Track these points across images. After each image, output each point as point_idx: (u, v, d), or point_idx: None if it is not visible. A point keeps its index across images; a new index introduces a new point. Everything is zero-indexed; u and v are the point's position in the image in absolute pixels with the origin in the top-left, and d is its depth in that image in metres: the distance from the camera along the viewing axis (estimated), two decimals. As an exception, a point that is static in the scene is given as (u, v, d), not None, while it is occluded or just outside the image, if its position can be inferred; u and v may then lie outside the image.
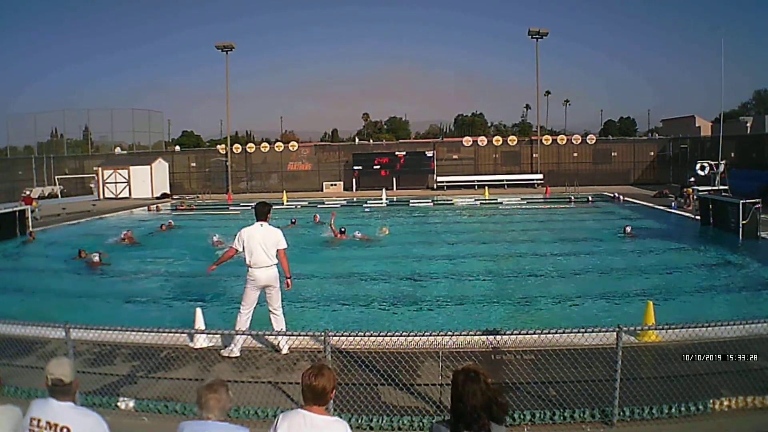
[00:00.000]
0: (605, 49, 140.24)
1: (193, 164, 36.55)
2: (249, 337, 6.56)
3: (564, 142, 34.41)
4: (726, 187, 19.74)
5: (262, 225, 6.38)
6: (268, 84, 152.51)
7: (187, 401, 4.96)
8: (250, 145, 36.93)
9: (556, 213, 21.79)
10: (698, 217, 16.55)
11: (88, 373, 5.62)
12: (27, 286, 10.84)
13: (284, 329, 6.38)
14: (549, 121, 77.64)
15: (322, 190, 33.29)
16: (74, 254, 13.28)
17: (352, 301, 9.23)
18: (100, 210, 24.65)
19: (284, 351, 6.30)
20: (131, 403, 5.12)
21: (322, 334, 4.85)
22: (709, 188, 19.66)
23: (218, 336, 6.55)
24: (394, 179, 32.56)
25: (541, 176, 32.49)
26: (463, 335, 5.99)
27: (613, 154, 33.92)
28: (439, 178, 32.76)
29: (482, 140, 35.25)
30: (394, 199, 27.74)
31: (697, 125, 48.93)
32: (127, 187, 31.42)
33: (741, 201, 13.66)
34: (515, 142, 35.30)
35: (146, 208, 25.60)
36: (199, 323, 6.64)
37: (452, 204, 25.76)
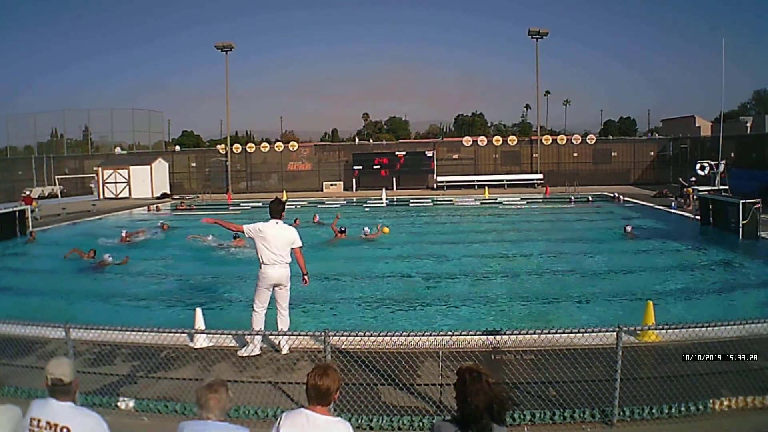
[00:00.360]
0: (605, 49, 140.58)
1: (193, 164, 36.55)
2: (249, 336, 6.56)
3: (564, 142, 34.41)
4: (726, 187, 19.74)
5: (277, 222, 6.31)
6: (268, 84, 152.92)
7: (187, 401, 4.96)
8: (250, 145, 36.93)
9: (556, 213, 21.77)
10: (698, 217, 16.54)
11: (88, 373, 5.62)
12: (35, 287, 10.82)
13: (288, 329, 6.36)
14: (549, 121, 77.81)
15: (322, 190, 33.29)
16: (73, 255, 13.28)
17: (352, 300, 9.23)
18: (100, 210, 24.65)
19: (284, 351, 6.29)
20: (131, 403, 5.12)
21: (322, 333, 4.85)
22: (709, 188, 19.67)
23: (218, 336, 6.54)
24: (394, 179, 32.56)
25: (541, 176, 32.49)
26: (463, 335, 5.99)
27: (613, 154, 33.92)
28: (439, 178, 32.76)
29: (482, 140, 35.25)
30: (394, 199, 27.74)
31: (697, 125, 48.93)
32: (127, 187, 31.42)
33: (741, 201, 13.66)
34: (515, 142, 35.30)
35: (146, 208, 25.59)
36: (199, 323, 6.64)
37: (452, 204, 25.76)
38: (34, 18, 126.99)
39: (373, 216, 20.92)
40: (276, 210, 6.39)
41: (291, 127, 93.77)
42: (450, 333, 5.69)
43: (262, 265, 6.25)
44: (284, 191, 29.72)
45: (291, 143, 36.76)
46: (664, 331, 6.09)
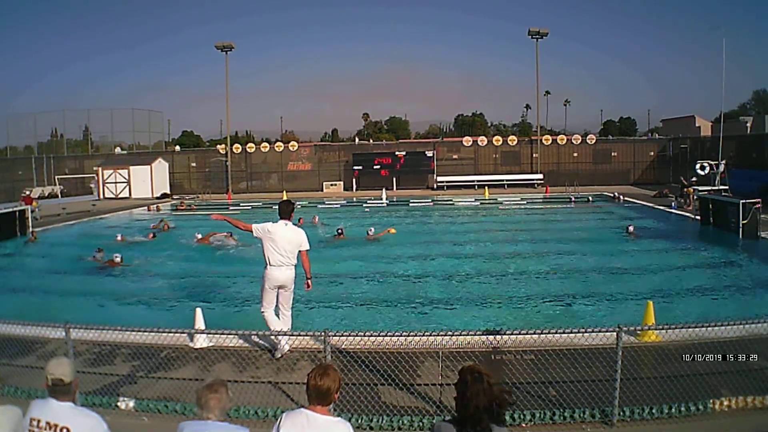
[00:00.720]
0: (605, 49, 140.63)
1: (193, 164, 36.55)
2: (249, 336, 6.56)
3: (564, 142, 34.40)
4: (726, 187, 19.74)
5: (286, 224, 6.25)
6: (268, 84, 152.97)
7: (187, 401, 4.96)
8: (250, 145, 36.92)
9: (556, 213, 21.78)
10: (698, 217, 16.54)
11: (88, 373, 5.62)
12: (35, 287, 10.81)
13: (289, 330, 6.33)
14: (549, 121, 77.76)
15: (322, 190, 33.29)
16: (85, 254, 13.29)
17: (353, 300, 9.23)
18: (100, 210, 24.65)
19: (285, 350, 6.24)
20: (131, 403, 5.12)
21: (322, 333, 4.85)
22: (709, 188, 19.66)
23: (218, 336, 6.53)
24: (394, 179, 32.55)
25: (541, 176, 32.48)
26: (463, 335, 6.00)
27: (613, 154, 33.92)
28: (439, 178, 32.75)
29: (482, 140, 35.24)
30: (394, 199, 27.73)
31: (697, 125, 48.93)
32: (127, 187, 31.42)
33: (741, 201, 13.66)
34: (515, 142, 35.30)
35: (146, 208, 25.60)
36: (199, 323, 6.64)
37: (452, 204, 25.76)
38: (34, 18, 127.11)
39: (373, 216, 20.93)
40: (285, 211, 6.32)
41: (291, 127, 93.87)
42: (450, 333, 5.70)
43: (268, 266, 6.20)
44: (284, 191, 29.72)
45: (291, 143, 36.75)
46: (664, 331, 6.09)
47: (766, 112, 46.99)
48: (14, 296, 10.07)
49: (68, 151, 40.40)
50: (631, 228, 14.87)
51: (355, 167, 32.94)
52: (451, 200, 26.95)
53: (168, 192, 32.21)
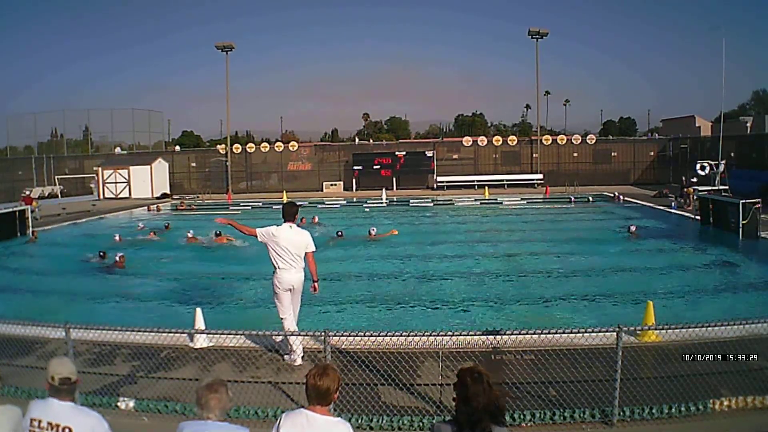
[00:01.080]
0: (605, 49, 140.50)
1: (193, 164, 36.55)
2: (249, 336, 6.56)
3: (564, 142, 34.40)
4: (726, 187, 19.73)
5: (291, 226, 6.13)
6: (268, 84, 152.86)
7: (187, 401, 4.96)
8: (250, 145, 36.92)
9: (556, 213, 21.78)
10: (698, 217, 16.55)
11: (88, 373, 5.61)
12: (36, 287, 10.83)
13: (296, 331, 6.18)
14: (549, 121, 77.65)
15: (322, 190, 33.28)
16: (85, 256, 13.29)
17: (353, 300, 9.23)
18: (100, 210, 24.65)
19: (297, 363, 6.02)
20: (131, 403, 5.12)
21: (322, 334, 4.85)
22: (709, 188, 19.66)
23: (218, 336, 6.53)
24: (394, 179, 32.55)
25: (541, 176, 32.48)
26: (463, 335, 6.00)
27: (613, 154, 33.92)
28: (439, 178, 32.75)
29: (482, 140, 35.24)
30: (394, 199, 27.74)
31: (697, 125, 48.92)
32: (127, 187, 31.42)
33: (741, 201, 13.66)
34: (515, 142, 35.29)
35: (146, 208, 25.60)
36: (199, 323, 6.63)
37: (452, 204, 25.76)
38: (34, 18, 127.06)
39: (373, 216, 20.93)
40: (290, 213, 6.21)
41: (291, 127, 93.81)
42: (450, 333, 5.69)
43: (278, 270, 6.10)
44: (284, 191, 29.71)
45: (291, 143, 36.75)
46: (664, 331, 6.09)
47: (766, 112, 46.97)
48: (16, 296, 10.07)
49: (68, 151, 40.40)
50: (633, 228, 14.86)
51: (355, 167, 32.95)
52: (451, 200, 26.95)
53: (168, 192, 32.21)
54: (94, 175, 32.51)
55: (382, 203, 25.92)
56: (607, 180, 31.96)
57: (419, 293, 9.72)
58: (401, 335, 5.62)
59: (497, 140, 35.64)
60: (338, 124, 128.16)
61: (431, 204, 25.99)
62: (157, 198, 30.56)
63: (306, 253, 6.16)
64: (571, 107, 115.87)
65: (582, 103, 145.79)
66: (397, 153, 33.33)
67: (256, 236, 6.18)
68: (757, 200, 13.64)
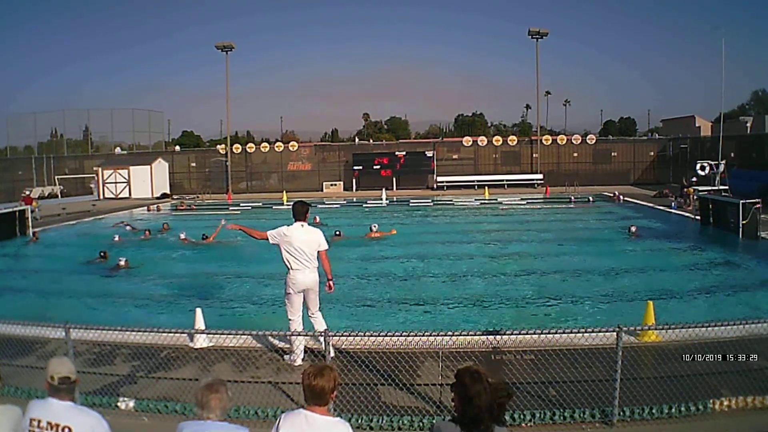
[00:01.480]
0: (605, 49, 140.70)
1: (193, 164, 36.55)
2: (249, 336, 6.56)
3: (564, 142, 34.40)
4: (726, 187, 19.73)
5: (302, 225, 6.04)
6: (268, 84, 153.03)
7: (187, 401, 4.96)
8: (250, 145, 36.93)
9: (556, 213, 21.77)
10: (698, 217, 16.54)
11: (88, 373, 5.62)
12: (36, 287, 10.83)
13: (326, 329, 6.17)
14: (549, 121, 77.65)
15: (322, 190, 33.29)
16: (87, 255, 13.26)
17: (353, 300, 9.23)
18: (100, 210, 24.66)
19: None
20: (131, 403, 5.12)
21: (322, 333, 4.85)
22: (709, 188, 19.66)
23: (218, 336, 6.53)
24: (394, 179, 32.55)
25: (541, 176, 32.48)
26: (463, 335, 6.01)
27: (613, 154, 33.92)
28: (439, 178, 32.76)
29: (482, 140, 35.24)
30: (394, 199, 27.74)
31: (697, 125, 48.89)
32: (127, 187, 31.42)
33: (741, 201, 13.66)
34: (515, 142, 35.30)
35: (146, 208, 25.60)
36: (199, 323, 6.63)
37: (452, 204, 25.76)
38: (34, 18, 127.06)
39: (372, 216, 20.92)
40: (300, 212, 6.11)
41: (291, 127, 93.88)
42: (450, 333, 5.69)
43: (291, 270, 6.01)
44: (284, 191, 29.71)
45: (291, 143, 36.75)
46: (664, 331, 6.09)
47: (765, 112, 46.96)
48: (17, 297, 10.07)
49: (68, 151, 40.41)
50: (633, 228, 14.85)
51: (355, 167, 32.94)
52: (451, 200, 26.95)
53: (168, 192, 32.21)
54: (94, 175, 32.51)
55: (382, 203, 25.91)
56: (607, 180, 31.96)
57: (419, 293, 9.71)
58: (401, 335, 5.61)
59: (497, 140, 35.65)
60: (338, 124, 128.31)
61: (431, 204, 25.99)
62: (157, 198, 30.56)
63: (319, 252, 6.08)
64: (571, 107, 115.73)
65: (582, 103, 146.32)
66: (397, 153, 33.33)
67: (268, 239, 6.08)
68: (757, 200, 13.64)
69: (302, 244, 5.97)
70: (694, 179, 21.91)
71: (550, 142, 34.46)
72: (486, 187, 30.03)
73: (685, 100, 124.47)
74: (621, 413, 4.60)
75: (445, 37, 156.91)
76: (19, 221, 17.30)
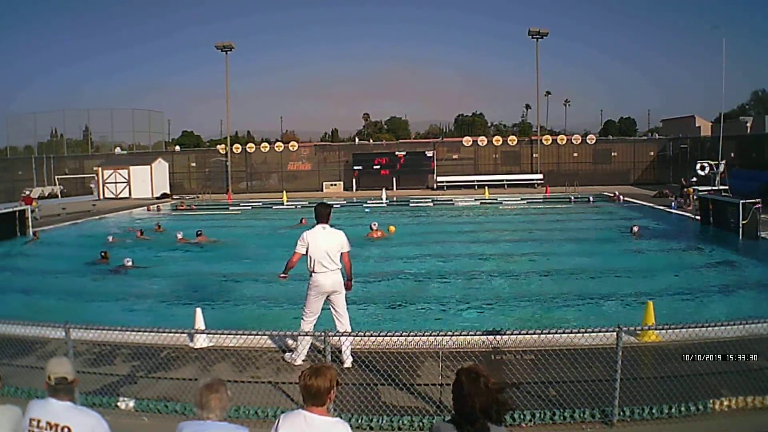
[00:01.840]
0: (605, 49, 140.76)
1: (193, 164, 36.55)
2: (249, 336, 6.55)
3: (564, 142, 34.40)
4: (726, 187, 19.73)
5: (324, 228, 5.97)
6: (268, 84, 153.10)
7: (187, 401, 4.96)
8: (250, 145, 36.93)
9: (556, 213, 21.77)
10: (698, 217, 16.54)
11: (88, 373, 5.62)
12: (35, 287, 10.84)
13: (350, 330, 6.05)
14: (549, 121, 77.55)
15: (322, 190, 33.28)
16: (88, 255, 13.27)
17: (353, 300, 9.21)
18: (100, 210, 24.65)
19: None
20: (131, 403, 5.12)
21: (322, 334, 4.85)
22: (709, 188, 19.66)
23: (218, 336, 6.53)
24: (394, 179, 32.54)
25: (541, 176, 32.48)
26: (463, 335, 6.00)
27: (613, 154, 33.92)
28: (439, 178, 32.76)
29: (482, 140, 35.24)
30: (394, 199, 27.74)
31: (697, 125, 48.87)
32: (127, 187, 31.42)
33: (741, 201, 13.66)
34: (515, 142, 35.30)
35: (146, 208, 25.59)
36: (199, 323, 6.63)
37: (452, 204, 25.76)
38: (34, 18, 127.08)
39: (371, 216, 20.92)
40: (323, 214, 6.02)
41: (291, 127, 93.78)
42: (450, 333, 5.68)
43: (313, 273, 5.90)
44: (284, 191, 29.71)
45: (291, 143, 36.75)
46: (664, 331, 6.08)
47: (765, 112, 46.94)
48: (17, 297, 10.07)
49: (68, 151, 40.40)
50: (635, 228, 14.84)
51: (355, 167, 32.94)
52: (451, 200, 26.95)
53: (168, 192, 32.21)
54: (94, 175, 32.51)
55: (382, 203, 25.92)
56: (607, 180, 31.96)
57: (419, 293, 9.71)
58: (401, 335, 5.61)
59: (497, 140, 35.65)
60: (338, 124, 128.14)
61: (431, 204, 25.99)
62: (157, 198, 30.56)
63: (342, 254, 6.03)
64: (571, 107, 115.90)
65: (582, 103, 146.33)
66: (397, 153, 33.33)
67: (300, 254, 5.95)
68: (757, 200, 13.63)
69: (327, 247, 5.90)
70: (694, 179, 21.91)
71: (550, 142, 34.46)
72: (486, 187, 30.03)
73: (685, 100, 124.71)
74: (621, 413, 4.60)
75: (445, 37, 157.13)
76: (19, 221, 17.30)
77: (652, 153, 33.55)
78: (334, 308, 6.12)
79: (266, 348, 6.44)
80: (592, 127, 68.80)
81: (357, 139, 46.10)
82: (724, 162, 20.81)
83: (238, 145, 36.57)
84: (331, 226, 6.12)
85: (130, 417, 4.97)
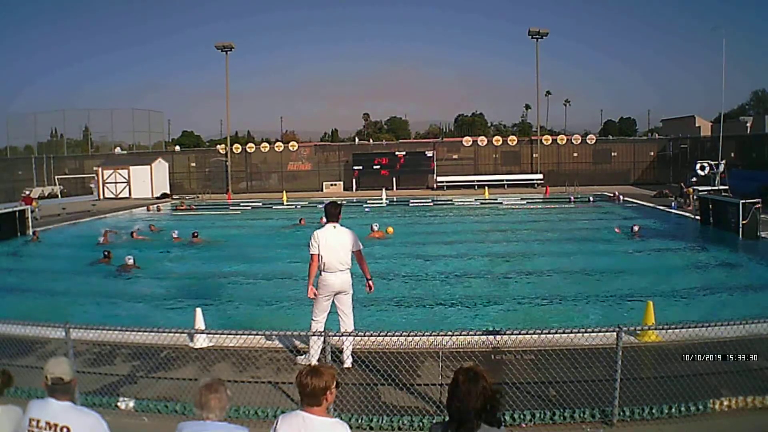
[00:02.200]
0: (605, 49, 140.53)
1: (193, 164, 36.56)
2: (249, 336, 6.55)
3: (564, 142, 34.40)
4: (726, 187, 19.73)
5: (335, 227, 5.88)
6: (268, 84, 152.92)
7: (187, 401, 4.96)
8: (250, 145, 36.93)
9: (556, 213, 21.78)
10: (698, 217, 16.54)
11: (88, 373, 5.62)
12: (34, 287, 10.83)
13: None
14: (549, 121, 77.50)
15: (322, 190, 33.29)
16: (88, 255, 13.25)
17: (353, 300, 9.21)
18: (100, 210, 24.64)
19: (347, 364, 5.86)
20: (131, 403, 5.12)
21: (322, 334, 4.84)
22: (709, 188, 19.66)
23: (218, 336, 6.53)
24: (394, 179, 32.55)
25: (541, 176, 32.48)
26: (463, 335, 6.00)
27: (613, 154, 33.93)
28: (439, 178, 32.76)
29: (482, 140, 35.25)
30: (394, 199, 27.75)
31: (697, 125, 48.85)
32: (127, 187, 31.42)
33: (741, 201, 13.65)
34: (515, 142, 35.30)
35: (146, 208, 25.59)
36: (199, 323, 6.63)
37: (452, 204, 25.76)
38: (34, 18, 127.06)
39: (373, 216, 20.92)
40: (333, 213, 5.93)
41: (291, 127, 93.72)
42: (450, 333, 5.68)
43: (323, 273, 5.83)
44: (284, 191, 29.71)
45: (291, 143, 36.75)
46: (664, 331, 6.08)
47: (766, 112, 46.94)
48: (17, 297, 10.07)
49: (68, 151, 40.41)
50: (636, 228, 14.83)
51: (355, 167, 32.95)
52: (451, 200, 26.95)
53: (168, 192, 32.20)
54: (94, 175, 32.51)
55: (382, 203, 25.92)
56: (607, 180, 31.95)
57: (419, 293, 9.71)
58: (401, 335, 5.60)
59: (497, 140, 35.65)
60: (338, 124, 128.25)
61: (431, 204, 25.99)
62: (157, 198, 30.55)
63: (354, 252, 5.96)
64: (571, 107, 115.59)
65: (582, 103, 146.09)
66: (397, 153, 33.34)
67: (317, 256, 5.84)
68: (757, 200, 13.63)
69: (338, 246, 5.83)
70: (694, 179, 21.91)
71: (550, 142, 34.46)
72: (486, 187, 30.03)
73: (685, 100, 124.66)
74: (621, 413, 4.60)
75: (445, 37, 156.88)
76: (20, 221, 17.29)
77: (652, 153, 33.56)
78: (340, 308, 6.08)
79: (266, 348, 6.44)
80: (592, 127, 68.82)
81: (357, 139, 46.08)
82: (724, 162, 20.82)
83: (238, 145, 36.58)
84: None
85: (130, 417, 4.97)
